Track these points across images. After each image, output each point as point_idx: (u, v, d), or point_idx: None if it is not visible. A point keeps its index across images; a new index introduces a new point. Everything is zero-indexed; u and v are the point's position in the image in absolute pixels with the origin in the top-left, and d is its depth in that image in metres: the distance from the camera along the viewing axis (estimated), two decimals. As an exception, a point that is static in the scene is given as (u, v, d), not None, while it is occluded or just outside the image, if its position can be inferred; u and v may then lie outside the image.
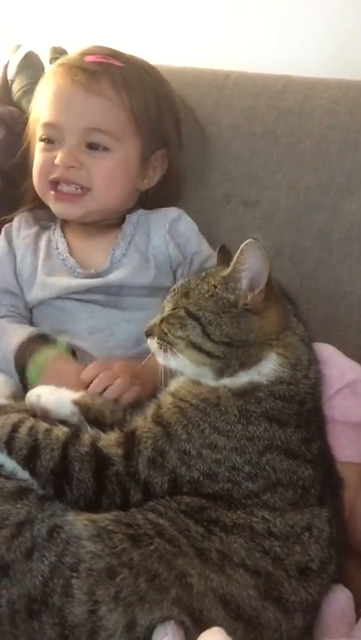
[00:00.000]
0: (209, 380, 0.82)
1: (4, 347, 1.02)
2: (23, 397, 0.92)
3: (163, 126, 1.11)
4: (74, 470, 0.77)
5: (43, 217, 1.15)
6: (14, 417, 0.83)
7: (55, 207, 1.09)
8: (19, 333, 1.02)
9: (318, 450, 0.82)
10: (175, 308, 0.84)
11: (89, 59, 1.07)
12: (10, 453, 0.79)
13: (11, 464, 0.80)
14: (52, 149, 1.07)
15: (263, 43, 1.30)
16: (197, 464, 0.78)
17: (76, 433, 0.81)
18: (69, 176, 1.06)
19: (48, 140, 1.07)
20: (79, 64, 1.06)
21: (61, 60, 1.10)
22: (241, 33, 1.32)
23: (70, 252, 1.11)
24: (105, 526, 0.73)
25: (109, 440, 0.80)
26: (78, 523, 0.73)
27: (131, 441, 0.80)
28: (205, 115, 1.18)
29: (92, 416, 0.86)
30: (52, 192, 1.08)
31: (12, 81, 1.27)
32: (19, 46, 1.27)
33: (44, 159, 1.08)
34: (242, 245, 0.79)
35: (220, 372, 0.81)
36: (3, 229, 1.15)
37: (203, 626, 0.67)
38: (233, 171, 1.20)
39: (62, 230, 1.13)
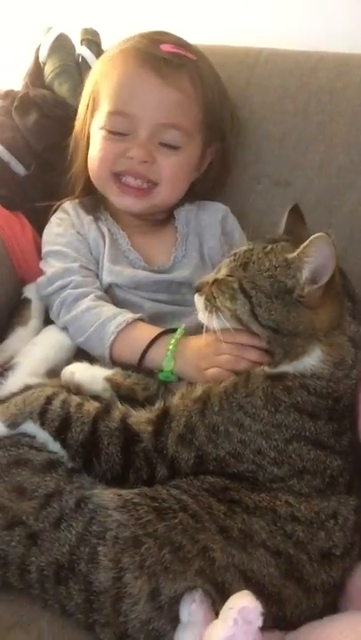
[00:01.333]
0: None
1: (102, 332, 0.98)
2: (58, 375, 0.93)
3: (222, 121, 1.11)
4: (102, 444, 0.80)
5: (89, 206, 1.13)
6: (48, 390, 0.86)
7: (118, 200, 1.07)
8: (122, 318, 0.98)
9: (349, 442, 0.82)
10: (231, 276, 0.84)
11: (166, 48, 1.04)
12: (43, 425, 0.82)
13: (43, 435, 0.83)
14: (118, 140, 1.04)
15: (295, 17, 1.28)
16: (224, 443, 0.79)
17: (106, 408, 0.83)
18: (141, 170, 1.04)
19: (115, 132, 1.04)
20: (158, 53, 1.02)
21: (131, 44, 1.05)
22: (272, 8, 1.30)
23: (132, 244, 1.09)
24: (130, 499, 0.75)
25: (140, 417, 0.82)
26: (105, 495, 0.76)
27: (163, 420, 0.81)
28: (237, 94, 1.17)
29: (123, 393, 0.88)
30: (116, 184, 1.06)
31: (44, 63, 1.27)
32: (50, 28, 1.26)
33: (109, 150, 1.04)
34: (312, 236, 0.78)
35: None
36: (60, 212, 1.12)
37: (226, 598, 0.69)
38: (264, 151, 1.19)
39: (117, 222, 1.11)
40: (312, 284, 0.79)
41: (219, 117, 1.10)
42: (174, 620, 0.70)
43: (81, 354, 1.02)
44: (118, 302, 1.04)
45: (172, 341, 0.91)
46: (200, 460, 0.79)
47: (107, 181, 1.07)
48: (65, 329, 1.02)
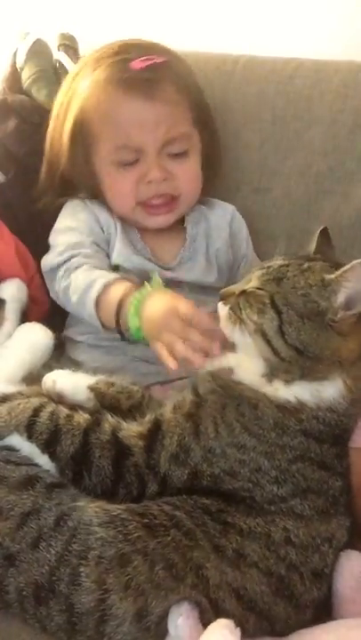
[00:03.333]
0: (259, 374, 0.81)
1: (86, 292, 0.97)
2: (35, 378, 0.93)
3: (203, 108, 1.12)
4: (94, 457, 0.78)
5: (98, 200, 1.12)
6: (35, 401, 0.84)
7: (150, 222, 1.09)
8: (103, 277, 0.97)
9: (347, 464, 0.82)
10: (261, 289, 0.81)
11: (136, 65, 1.03)
12: (30, 437, 0.80)
13: (29, 448, 0.81)
14: (131, 169, 1.05)
15: (272, 24, 1.28)
16: (220, 462, 0.78)
17: (97, 420, 0.81)
18: (164, 189, 1.06)
19: (125, 163, 1.05)
20: (134, 75, 1.02)
21: (104, 73, 1.04)
22: (250, 15, 1.30)
23: (141, 235, 1.10)
24: (118, 514, 0.74)
25: (130, 431, 0.80)
26: (89, 509, 0.74)
27: (155, 435, 0.80)
28: (214, 101, 1.17)
29: (107, 402, 0.86)
30: (144, 210, 1.07)
31: (22, 69, 1.25)
32: (27, 33, 1.25)
33: (127, 183, 1.06)
34: (355, 262, 0.76)
35: (277, 374, 0.80)
36: (70, 202, 1.12)
37: (217, 613, 0.69)
38: (243, 158, 1.20)
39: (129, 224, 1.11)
40: (346, 309, 0.77)
41: (204, 109, 1.12)
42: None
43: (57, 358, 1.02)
44: None
45: (136, 296, 0.89)
46: (194, 477, 0.78)
47: (134, 211, 1.08)
48: (63, 295, 1.02)
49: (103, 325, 0.97)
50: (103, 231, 1.09)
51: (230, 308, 0.83)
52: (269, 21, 1.29)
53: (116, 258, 1.06)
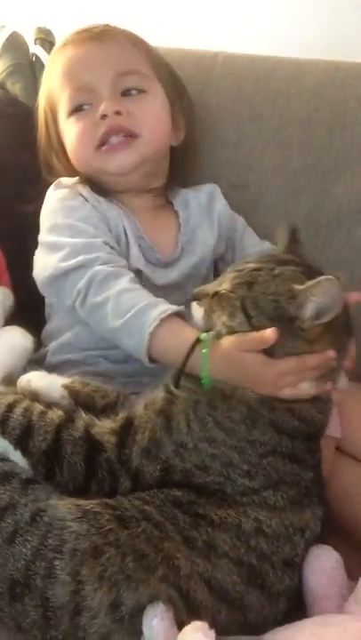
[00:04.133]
0: None
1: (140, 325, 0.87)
2: (13, 381, 0.90)
3: (174, 78, 1.11)
4: (65, 453, 0.78)
5: (99, 189, 1.05)
6: (9, 397, 0.84)
7: (111, 163, 1.02)
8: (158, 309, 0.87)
9: (320, 457, 0.83)
10: (232, 292, 0.82)
11: (92, 27, 1.06)
12: (3, 433, 0.80)
13: (2, 444, 0.80)
14: (86, 115, 1.02)
15: (251, 22, 1.29)
16: (192, 456, 0.78)
17: (70, 417, 0.81)
18: (119, 122, 1.01)
19: (78, 109, 1.03)
20: (84, 30, 1.06)
21: (69, 35, 1.08)
22: (229, 12, 1.31)
23: (144, 231, 1.05)
24: (90, 508, 0.74)
25: (103, 427, 0.80)
26: (62, 506, 0.74)
27: (127, 431, 0.79)
28: (193, 97, 1.16)
29: (81, 400, 0.86)
30: (104, 148, 1.01)
31: (-3, 61, 1.25)
32: (2, 27, 1.24)
33: (82, 126, 1.02)
34: (322, 278, 0.77)
35: None
36: (65, 188, 1.04)
37: (189, 604, 0.69)
38: (221, 154, 1.19)
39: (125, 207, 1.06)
40: (314, 319, 0.79)
41: (168, 72, 1.10)
42: (135, 635, 0.69)
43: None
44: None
45: (204, 355, 0.81)
46: (165, 473, 0.78)
47: (94, 156, 1.02)
48: (91, 312, 0.91)
49: (150, 359, 0.87)
50: (110, 229, 1.01)
51: (205, 311, 0.83)
52: (246, 19, 1.29)
53: (135, 262, 1.00)
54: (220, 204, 1.14)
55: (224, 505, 0.77)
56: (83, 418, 0.81)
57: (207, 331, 0.83)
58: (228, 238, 1.14)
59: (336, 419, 0.96)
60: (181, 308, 0.88)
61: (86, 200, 1.02)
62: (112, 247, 0.98)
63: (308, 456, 0.81)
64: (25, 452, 0.79)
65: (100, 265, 0.92)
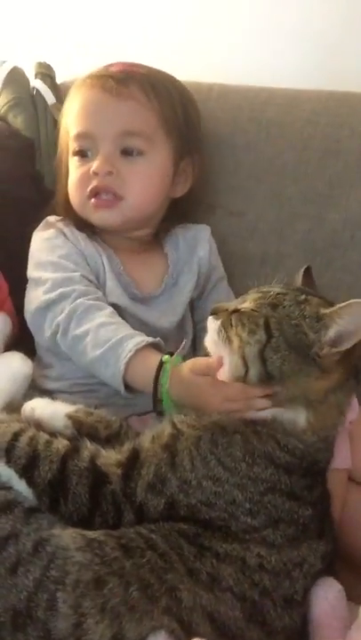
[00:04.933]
0: None
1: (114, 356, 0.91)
2: (14, 408, 0.92)
3: (190, 129, 1.12)
4: (71, 484, 0.77)
5: (82, 226, 1.10)
6: (15, 426, 0.83)
7: (95, 216, 1.06)
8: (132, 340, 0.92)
9: (320, 494, 0.83)
10: (256, 311, 0.82)
11: (114, 68, 1.08)
12: (8, 462, 0.79)
13: (7, 473, 0.80)
14: (86, 162, 1.06)
15: (245, 54, 1.32)
16: (196, 493, 0.78)
17: (76, 447, 0.81)
18: (106, 182, 1.04)
19: (82, 154, 1.06)
20: (106, 73, 1.07)
21: (86, 74, 1.10)
22: (223, 44, 1.34)
23: (124, 269, 1.08)
24: (95, 538, 0.73)
25: (109, 459, 0.80)
26: (66, 535, 0.73)
27: (132, 464, 0.79)
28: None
29: (84, 431, 0.86)
30: (92, 200, 1.05)
31: (-2, 96, 1.28)
32: (3, 62, 1.27)
33: (80, 173, 1.06)
34: (352, 301, 0.77)
35: None
36: (50, 228, 1.09)
37: (190, 637, 0.68)
38: (217, 182, 1.22)
39: (108, 246, 1.10)
40: (333, 346, 0.78)
41: (185, 127, 1.11)
42: None
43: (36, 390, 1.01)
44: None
45: (164, 376, 0.86)
46: (170, 507, 0.78)
47: (84, 203, 1.06)
48: (72, 344, 0.96)
49: (126, 387, 0.92)
50: (89, 264, 1.06)
51: (222, 324, 0.84)
52: (241, 51, 1.32)
53: (110, 296, 1.04)
54: (204, 250, 1.14)
55: (229, 539, 0.77)
56: (88, 448, 0.81)
57: (171, 354, 0.88)
58: (202, 286, 1.15)
59: (346, 449, 0.96)
60: (157, 340, 0.92)
61: (67, 239, 1.07)
62: (90, 280, 1.03)
63: (307, 493, 0.80)
64: (30, 482, 0.78)
65: (79, 298, 0.97)
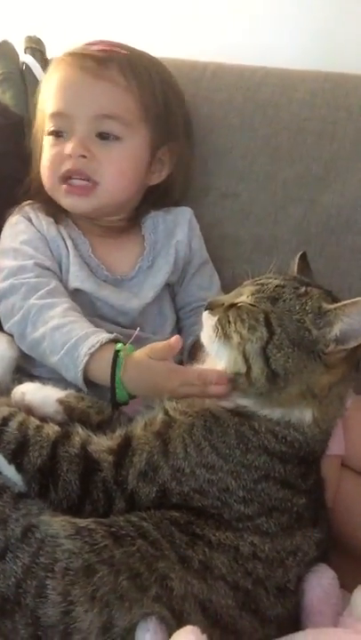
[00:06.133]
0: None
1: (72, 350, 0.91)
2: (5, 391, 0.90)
3: (170, 117, 1.10)
4: (61, 470, 0.76)
5: (50, 210, 1.09)
6: (4, 410, 0.82)
7: (66, 201, 1.05)
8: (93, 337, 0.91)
9: (314, 481, 0.82)
10: (255, 306, 0.80)
11: (94, 47, 1.05)
12: None
13: None
14: (61, 143, 1.03)
15: (241, 33, 1.30)
16: (189, 481, 0.77)
17: (67, 433, 0.79)
18: (80, 166, 1.02)
19: (57, 134, 1.04)
20: (86, 52, 1.04)
21: (66, 51, 1.07)
22: (219, 23, 1.31)
23: (93, 251, 1.07)
24: (85, 526, 0.72)
25: (100, 445, 0.79)
26: (55, 523, 0.73)
27: (124, 451, 0.78)
28: (183, 106, 1.17)
29: (76, 416, 0.85)
30: (64, 186, 1.04)
31: (-14, 70, 1.24)
32: (-7, 35, 1.24)
33: (53, 153, 1.04)
34: (358, 299, 0.76)
35: (246, 392, 0.80)
36: (19, 213, 1.08)
37: (182, 626, 0.67)
38: (211, 163, 1.20)
39: (78, 228, 1.09)
40: (338, 343, 0.77)
41: (165, 112, 1.09)
42: None
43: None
44: (85, 308, 1.01)
45: (117, 371, 0.86)
46: (162, 494, 0.77)
47: (55, 185, 1.05)
48: (31, 348, 0.96)
49: (92, 384, 0.91)
50: (51, 251, 1.05)
51: (218, 321, 0.81)
52: (236, 30, 1.30)
53: (73, 281, 1.03)
54: (182, 233, 1.12)
55: (222, 527, 0.76)
56: (79, 434, 0.79)
57: (122, 343, 0.88)
58: (181, 270, 1.13)
59: (340, 435, 0.96)
60: (114, 335, 0.91)
61: (32, 223, 1.06)
62: (47, 268, 1.02)
63: (301, 481, 0.80)
64: (19, 468, 0.77)
65: (30, 295, 0.96)
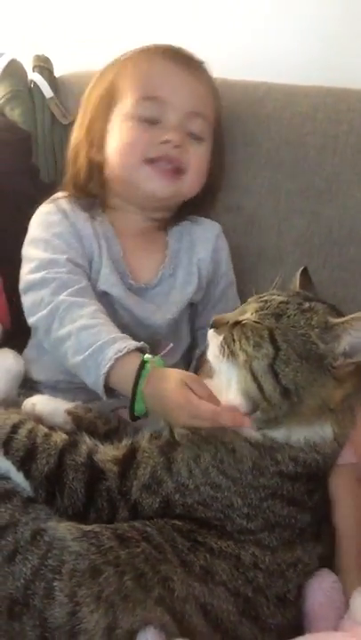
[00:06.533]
0: (242, 408, 0.79)
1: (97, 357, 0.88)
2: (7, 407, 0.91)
3: (220, 137, 1.14)
4: (67, 478, 0.78)
5: (86, 205, 1.07)
6: (14, 417, 0.83)
7: (148, 184, 1.03)
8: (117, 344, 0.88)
9: (320, 497, 0.82)
10: (259, 323, 0.79)
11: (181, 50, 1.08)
12: (6, 453, 0.79)
13: (5, 465, 0.80)
14: (149, 127, 1.03)
15: (244, 49, 1.32)
16: (193, 495, 0.77)
17: (74, 441, 0.81)
18: (176, 155, 1.03)
19: (149, 120, 1.03)
20: (182, 51, 1.08)
21: (153, 46, 1.08)
22: (222, 39, 1.33)
23: (123, 255, 1.06)
24: (91, 529, 0.74)
25: (106, 455, 0.80)
26: (62, 527, 0.74)
27: (129, 462, 0.79)
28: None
29: (84, 426, 0.86)
30: (148, 168, 1.03)
31: (-4, 88, 1.27)
32: (1, 54, 1.26)
33: (140, 137, 1.02)
34: None
35: (256, 411, 0.78)
36: (52, 203, 1.06)
37: (183, 629, 0.69)
38: (216, 177, 1.22)
39: (113, 227, 1.07)
40: (347, 357, 0.76)
41: (218, 127, 1.13)
42: None
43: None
44: (110, 314, 0.97)
45: (140, 382, 0.83)
46: (165, 505, 0.78)
47: (137, 167, 1.03)
48: (55, 345, 0.93)
49: (110, 391, 0.89)
50: (85, 247, 1.03)
51: (224, 339, 0.80)
52: (240, 46, 1.32)
53: (103, 284, 1.01)
54: (205, 250, 1.10)
55: (224, 537, 0.76)
56: (86, 443, 0.81)
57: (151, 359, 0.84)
58: (206, 290, 1.11)
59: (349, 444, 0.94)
60: (141, 344, 0.88)
61: (67, 216, 1.04)
62: (78, 265, 1.00)
63: (307, 497, 0.80)
64: (27, 475, 0.78)
65: (61, 291, 0.94)
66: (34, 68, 1.27)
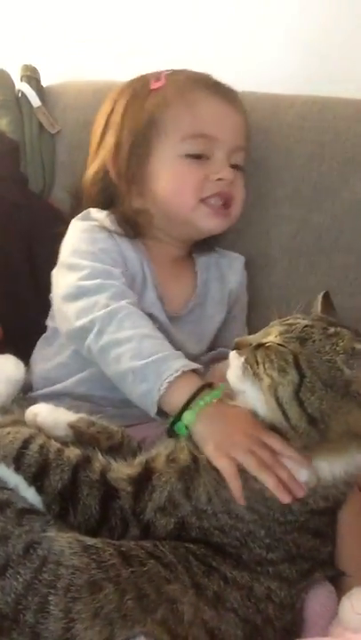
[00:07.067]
0: None
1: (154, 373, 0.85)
2: (6, 413, 0.91)
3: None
4: (82, 494, 0.76)
5: (126, 229, 1.07)
6: (25, 432, 0.81)
7: (207, 223, 1.06)
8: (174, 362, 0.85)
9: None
10: (283, 346, 0.77)
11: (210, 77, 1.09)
12: (18, 469, 0.77)
13: (15, 480, 0.78)
14: (199, 165, 1.04)
15: (231, 61, 1.33)
16: (210, 520, 0.76)
17: (87, 457, 0.79)
18: (229, 191, 1.06)
19: (197, 156, 1.04)
20: (223, 84, 1.09)
21: (184, 77, 1.08)
22: (208, 51, 1.35)
23: (156, 281, 1.05)
24: (93, 544, 0.72)
25: (120, 473, 0.78)
26: (62, 539, 0.72)
27: (145, 484, 0.77)
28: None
29: (85, 440, 0.84)
30: (207, 208, 1.05)
31: (-17, 99, 1.27)
32: (-12, 64, 1.27)
33: (194, 176, 1.04)
34: None
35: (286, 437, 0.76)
36: (92, 221, 1.05)
37: None
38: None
39: (149, 253, 1.07)
40: None
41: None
42: None
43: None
44: None
45: (206, 398, 0.81)
46: (180, 527, 0.76)
47: (193, 207, 1.04)
48: (106, 347, 0.89)
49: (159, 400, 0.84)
50: (128, 268, 1.02)
51: (246, 361, 0.79)
52: (227, 57, 1.33)
53: (150, 307, 1.00)
54: (236, 282, 1.14)
55: (239, 567, 0.75)
56: (99, 459, 0.79)
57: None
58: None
59: None
60: (200, 367, 0.87)
61: (112, 235, 1.05)
62: (128, 281, 0.99)
63: (330, 529, 0.79)
64: (40, 490, 0.77)
65: (119, 298, 0.91)
66: (21, 78, 1.27)
